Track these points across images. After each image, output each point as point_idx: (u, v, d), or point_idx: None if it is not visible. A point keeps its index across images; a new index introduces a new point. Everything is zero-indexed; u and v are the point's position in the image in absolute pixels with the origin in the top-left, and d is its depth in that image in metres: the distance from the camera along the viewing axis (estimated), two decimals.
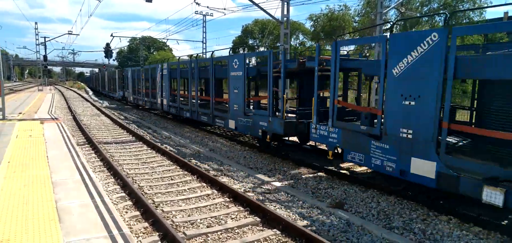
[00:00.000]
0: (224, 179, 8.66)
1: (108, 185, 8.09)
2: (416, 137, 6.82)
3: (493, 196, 5.61)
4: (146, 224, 5.99)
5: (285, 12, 21.38)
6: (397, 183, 7.79)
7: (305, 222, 6.34)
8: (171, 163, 10.37)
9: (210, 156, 11.53)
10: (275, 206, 7.03)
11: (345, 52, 12.89)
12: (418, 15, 30.94)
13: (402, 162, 7.12)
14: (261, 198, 7.55)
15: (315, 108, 9.38)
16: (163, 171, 9.56)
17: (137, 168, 9.80)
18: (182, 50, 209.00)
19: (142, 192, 7.66)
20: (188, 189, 8.06)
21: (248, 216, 6.48)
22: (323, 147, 11.04)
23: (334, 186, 8.49)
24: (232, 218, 6.39)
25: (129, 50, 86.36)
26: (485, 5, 28.62)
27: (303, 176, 9.30)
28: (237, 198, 7.27)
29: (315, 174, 9.45)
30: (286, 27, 21.42)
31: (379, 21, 19.28)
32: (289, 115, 11.83)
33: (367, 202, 7.41)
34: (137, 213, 6.47)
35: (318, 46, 9.54)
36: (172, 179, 8.80)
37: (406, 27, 31.55)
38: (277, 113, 11.61)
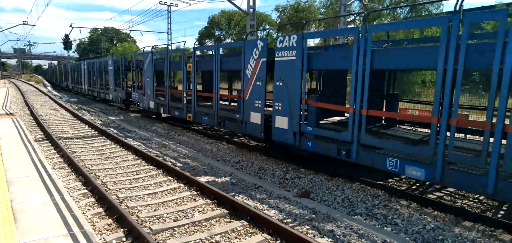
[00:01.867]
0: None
1: (69, 182, 7.77)
2: (150, 93, 16.69)
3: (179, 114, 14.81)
4: (110, 221, 5.82)
5: (251, 3, 21.32)
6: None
7: (272, 212, 6.40)
8: (136, 157, 10.13)
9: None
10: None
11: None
12: (380, 7, 31.82)
13: (148, 104, 17.12)
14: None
15: (133, 84, 19.66)
16: (127, 166, 9.32)
17: (100, 164, 9.49)
18: (146, 41, 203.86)
19: (106, 188, 7.43)
20: (153, 183, 7.92)
21: (216, 208, 6.46)
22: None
23: (301, 175, 8.63)
24: (199, 211, 6.34)
25: (90, 41, 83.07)
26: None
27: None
28: (203, 189, 7.23)
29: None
30: (253, 18, 21.39)
31: (343, 12, 19.67)
32: (129, 89, 21.06)
33: (332, 190, 7.59)
34: (101, 209, 6.27)
35: (134, 54, 20.40)
36: (137, 174, 8.60)
37: (369, 18, 32.38)
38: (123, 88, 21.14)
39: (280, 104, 9.11)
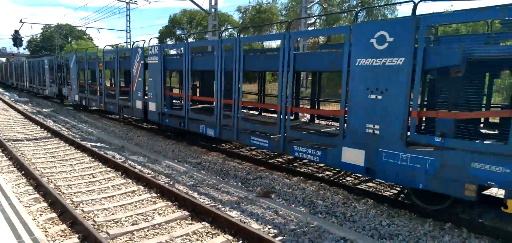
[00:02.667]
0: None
1: (18, 187, 7.31)
2: (75, 89, 19.42)
3: (111, 107, 16.77)
4: (64, 226, 5.55)
5: (213, 3, 21.19)
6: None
7: (234, 212, 6.39)
8: (93, 160, 9.73)
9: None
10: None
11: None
12: (338, 10, 32.80)
13: (74, 98, 19.72)
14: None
15: (63, 81, 22.61)
16: (83, 168, 8.92)
17: (53, 167, 9.01)
18: (104, 39, 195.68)
19: (60, 192, 7.07)
20: (109, 187, 7.63)
21: (176, 210, 6.34)
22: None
23: (262, 175, 8.68)
24: (159, 214, 6.20)
25: (42, 38, 78.71)
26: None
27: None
28: (164, 192, 7.08)
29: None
30: (214, 18, 21.26)
31: (304, 14, 20.06)
32: (61, 85, 23.54)
33: (293, 189, 7.70)
34: (54, 215, 5.95)
35: (64, 55, 23.92)
36: (93, 176, 8.26)
37: (328, 21, 33.25)
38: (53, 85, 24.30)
39: (151, 94, 12.82)
